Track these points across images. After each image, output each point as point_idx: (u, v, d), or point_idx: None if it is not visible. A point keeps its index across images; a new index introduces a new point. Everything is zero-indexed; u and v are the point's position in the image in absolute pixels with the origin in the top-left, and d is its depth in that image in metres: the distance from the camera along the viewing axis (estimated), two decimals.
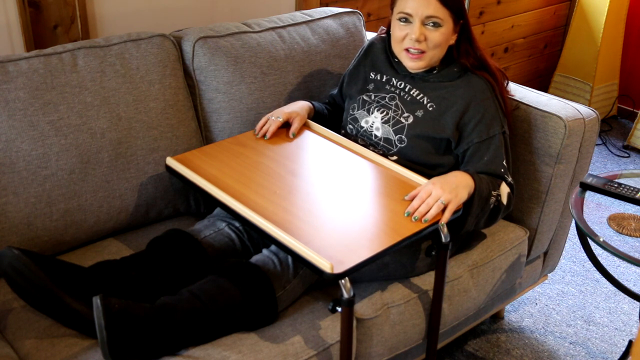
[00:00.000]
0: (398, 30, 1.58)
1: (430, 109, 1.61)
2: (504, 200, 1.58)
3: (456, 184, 1.47)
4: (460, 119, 1.59)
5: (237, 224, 1.57)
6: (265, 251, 1.46)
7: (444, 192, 1.42)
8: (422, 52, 1.57)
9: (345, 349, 1.34)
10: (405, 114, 1.62)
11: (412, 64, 1.60)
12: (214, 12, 2.16)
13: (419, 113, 1.62)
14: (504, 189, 1.58)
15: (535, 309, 2.19)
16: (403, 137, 1.62)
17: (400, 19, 1.57)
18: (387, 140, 1.64)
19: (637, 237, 1.82)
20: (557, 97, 1.87)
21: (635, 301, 2.21)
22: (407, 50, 1.58)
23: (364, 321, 1.49)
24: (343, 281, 1.24)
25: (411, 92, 1.65)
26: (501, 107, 1.63)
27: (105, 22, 1.93)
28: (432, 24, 1.54)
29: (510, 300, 2.01)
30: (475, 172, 1.55)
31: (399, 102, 1.65)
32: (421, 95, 1.64)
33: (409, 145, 1.61)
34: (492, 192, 1.55)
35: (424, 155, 1.61)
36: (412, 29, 1.55)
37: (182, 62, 1.77)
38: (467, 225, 1.53)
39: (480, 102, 1.59)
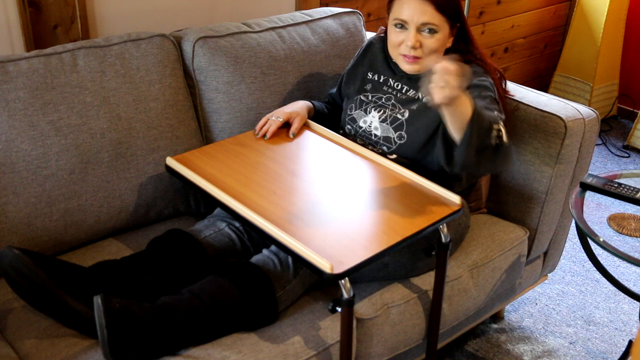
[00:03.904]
0: (394, 36, 1.59)
1: (425, 100, 1.61)
2: (505, 138, 1.40)
3: (465, 104, 1.30)
4: None
5: (237, 224, 1.57)
6: (265, 251, 1.46)
7: (457, 86, 1.23)
8: (418, 57, 1.57)
9: (345, 349, 1.34)
10: (402, 110, 1.63)
11: (408, 67, 1.61)
12: (214, 12, 2.16)
13: (414, 106, 1.62)
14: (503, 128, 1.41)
15: (535, 309, 2.19)
16: (403, 133, 1.62)
17: (395, 25, 1.58)
18: (386, 138, 1.64)
19: (637, 237, 1.82)
20: (557, 97, 1.87)
21: (635, 301, 2.21)
22: (403, 55, 1.59)
23: (364, 321, 1.49)
24: (343, 281, 1.24)
25: (407, 93, 1.65)
26: (497, 90, 1.61)
27: (105, 22, 1.93)
28: (427, 30, 1.54)
29: (510, 300, 2.01)
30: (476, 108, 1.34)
31: (395, 102, 1.65)
32: (415, 93, 1.64)
33: (409, 141, 1.61)
34: (494, 125, 1.37)
35: (422, 151, 1.61)
36: (408, 36, 1.55)
37: (182, 62, 1.77)
38: (466, 150, 1.35)
39: (474, 79, 1.57)
